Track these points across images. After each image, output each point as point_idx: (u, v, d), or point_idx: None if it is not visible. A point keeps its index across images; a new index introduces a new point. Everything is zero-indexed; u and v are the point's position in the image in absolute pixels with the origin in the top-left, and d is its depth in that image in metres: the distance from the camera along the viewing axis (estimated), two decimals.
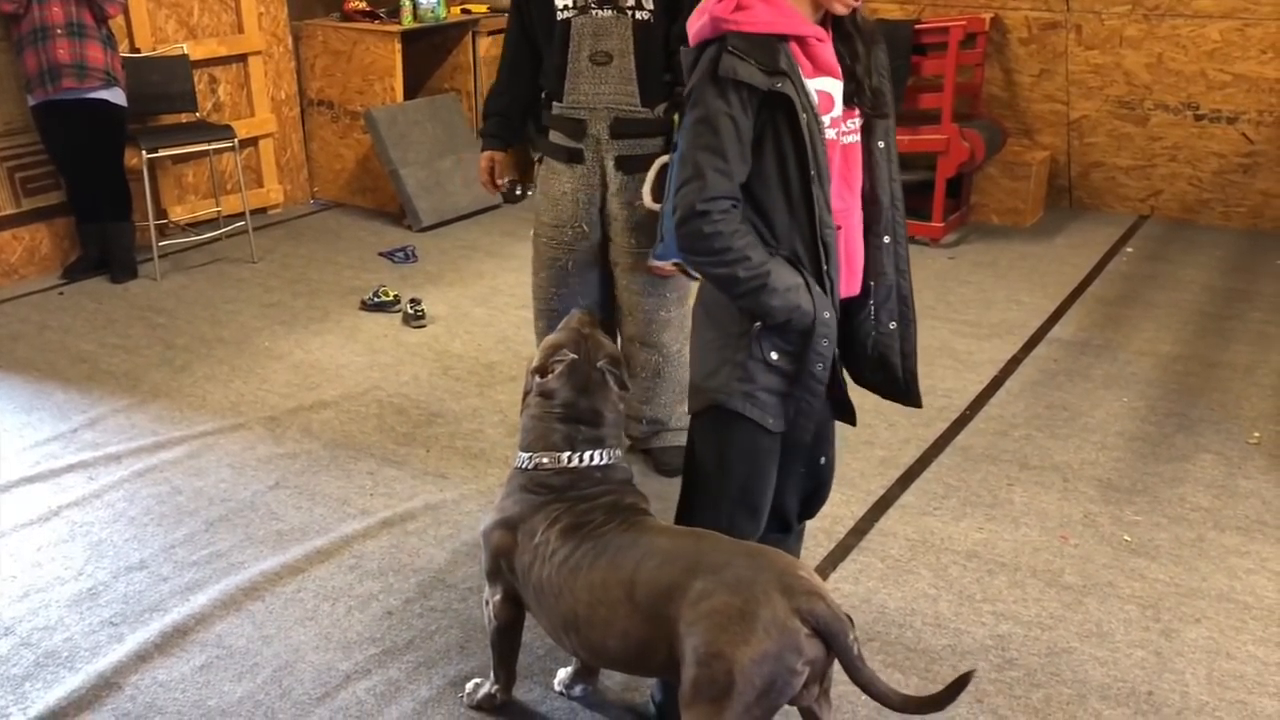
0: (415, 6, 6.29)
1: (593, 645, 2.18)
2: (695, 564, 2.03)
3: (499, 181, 3.51)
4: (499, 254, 5.71)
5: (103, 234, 5.36)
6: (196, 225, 6.03)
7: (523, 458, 2.35)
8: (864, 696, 2.09)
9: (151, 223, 5.43)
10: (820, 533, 3.21)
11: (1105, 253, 5.79)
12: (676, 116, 3.17)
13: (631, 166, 3.21)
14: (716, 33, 2.03)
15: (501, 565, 2.34)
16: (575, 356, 2.35)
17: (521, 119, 3.40)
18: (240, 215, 5.85)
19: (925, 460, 3.68)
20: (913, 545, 3.20)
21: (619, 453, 2.37)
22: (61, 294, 5.25)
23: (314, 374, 4.37)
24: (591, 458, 2.31)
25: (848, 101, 2.15)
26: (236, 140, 5.70)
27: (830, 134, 2.12)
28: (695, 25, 2.10)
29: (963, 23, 5.90)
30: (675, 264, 2.97)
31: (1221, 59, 5.88)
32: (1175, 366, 4.39)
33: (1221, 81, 5.93)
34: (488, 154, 3.48)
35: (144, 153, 5.37)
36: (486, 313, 4.97)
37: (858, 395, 2.39)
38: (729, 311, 2.16)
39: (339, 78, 6.49)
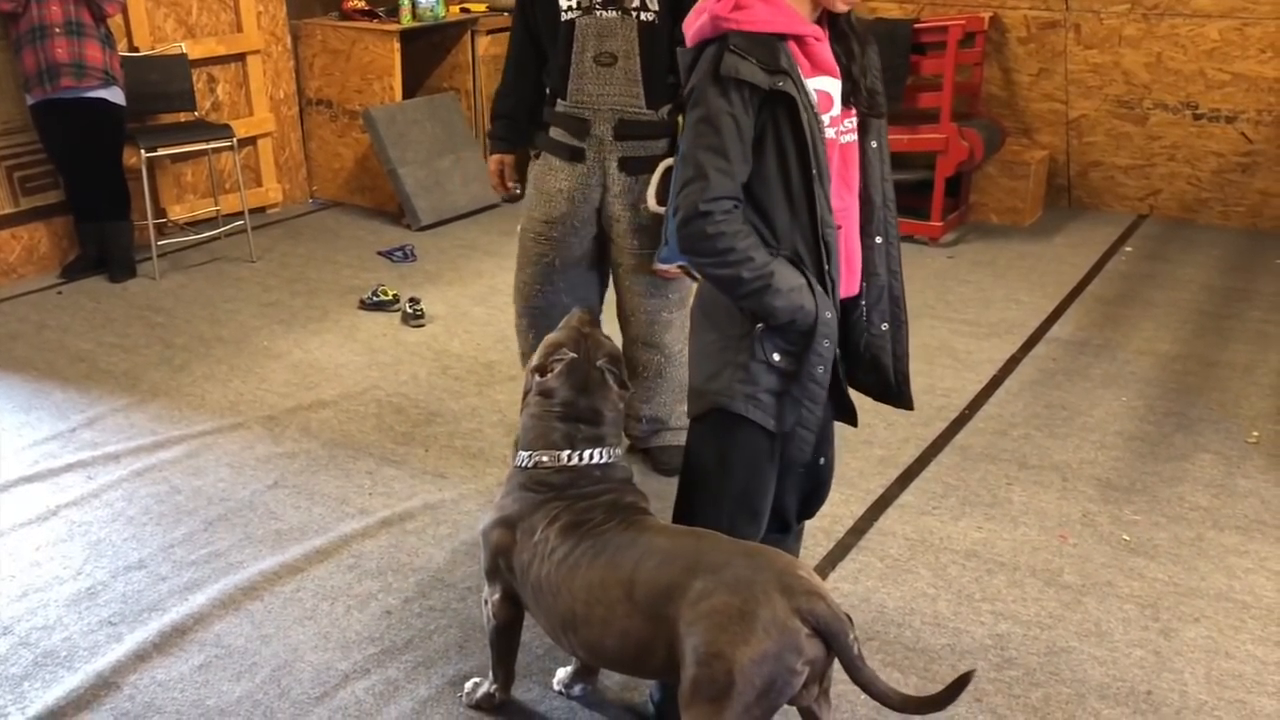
0: (414, 5, 6.29)
1: (591, 644, 2.18)
2: (695, 563, 2.03)
3: (509, 184, 3.50)
4: (498, 253, 5.70)
5: (101, 233, 5.36)
6: (195, 224, 6.02)
7: (522, 456, 2.35)
8: (863, 696, 2.09)
9: (150, 222, 5.43)
10: (819, 532, 3.21)
11: (1104, 252, 5.79)
12: (681, 118, 3.16)
13: (635, 168, 3.20)
14: (716, 32, 2.03)
15: (500, 564, 2.34)
16: (575, 355, 2.35)
17: (528, 120, 3.38)
18: (239, 214, 5.84)
19: (924, 460, 3.68)
20: (912, 545, 3.20)
21: (619, 452, 2.37)
22: (60, 293, 5.25)
23: (313, 373, 4.37)
24: (591, 456, 2.30)
25: (845, 101, 2.15)
26: (235, 139, 5.69)
27: (829, 133, 2.12)
28: (693, 25, 2.09)
29: (961, 22, 5.90)
30: (680, 266, 2.97)
31: (1220, 58, 5.88)
32: (1174, 366, 4.40)
33: (1220, 81, 5.93)
34: (496, 157, 3.48)
35: (142, 152, 5.36)
36: (485, 312, 4.97)
37: (855, 395, 2.39)
38: (729, 313, 2.16)
39: (338, 77, 6.49)
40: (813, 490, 2.46)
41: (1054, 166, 6.52)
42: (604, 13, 3.10)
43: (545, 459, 2.31)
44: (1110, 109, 6.25)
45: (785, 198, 2.08)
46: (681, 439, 3.53)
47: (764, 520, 2.31)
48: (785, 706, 2.01)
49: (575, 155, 3.24)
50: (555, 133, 3.27)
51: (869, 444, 3.73)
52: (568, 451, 2.30)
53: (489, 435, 3.85)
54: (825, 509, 2.63)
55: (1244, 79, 5.87)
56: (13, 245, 5.41)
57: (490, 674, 2.52)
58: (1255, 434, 3.84)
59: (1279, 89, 5.82)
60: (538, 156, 3.35)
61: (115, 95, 5.15)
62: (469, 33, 6.62)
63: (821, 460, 2.41)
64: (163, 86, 5.62)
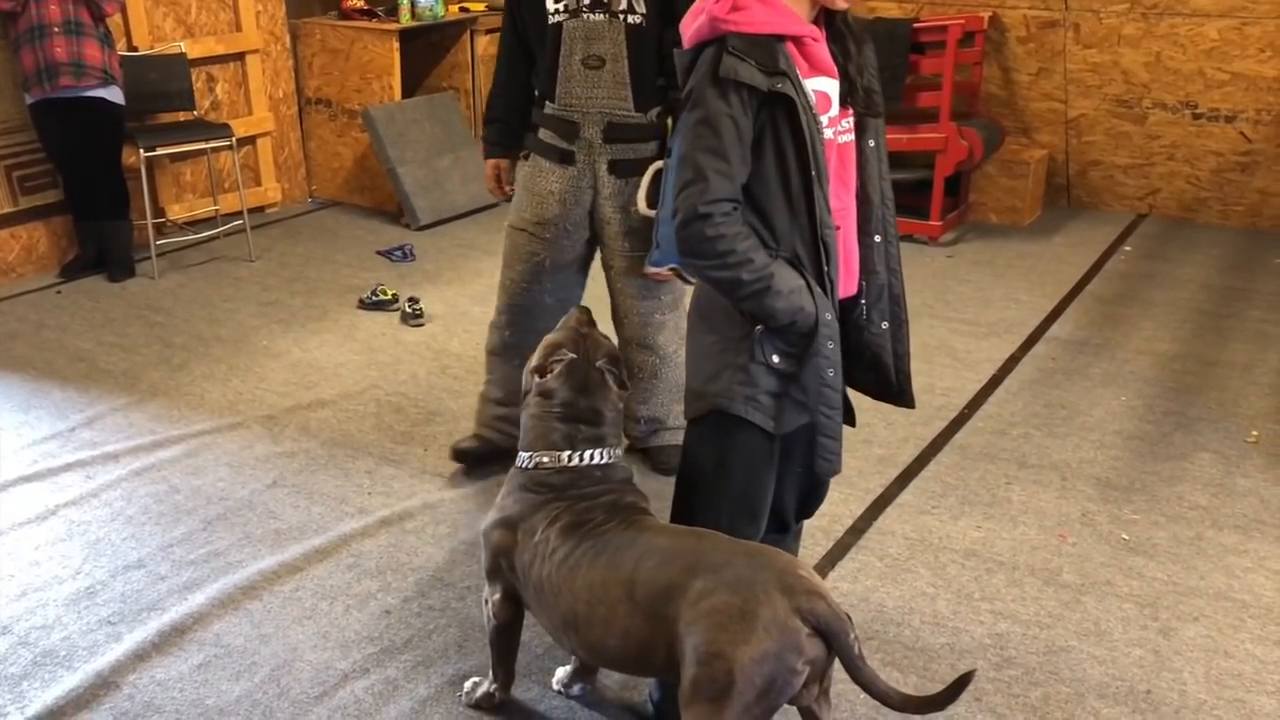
0: (413, 5, 6.29)
1: (592, 644, 2.18)
2: (695, 563, 2.03)
3: (507, 188, 3.50)
4: (497, 252, 5.62)
5: (100, 233, 5.36)
6: (194, 224, 6.02)
7: (522, 457, 2.35)
8: (862, 695, 2.10)
9: (149, 221, 5.43)
10: (819, 531, 3.21)
11: (1103, 251, 5.79)
12: (670, 120, 3.15)
13: (625, 171, 3.20)
14: (714, 33, 2.02)
15: (501, 564, 2.34)
16: (574, 356, 2.35)
17: (521, 123, 3.38)
18: (238, 214, 5.84)
19: (923, 459, 3.68)
20: (911, 544, 3.20)
21: (619, 452, 2.37)
22: (59, 293, 5.25)
23: (312, 373, 4.37)
24: (591, 457, 2.30)
25: (842, 101, 2.15)
26: (234, 139, 5.69)
27: (827, 134, 2.12)
28: (691, 26, 2.09)
29: (961, 21, 5.90)
30: (672, 269, 2.96)
31: (1220, 58, 5.88)
32: (1173, 365, 4.40)
33: (1220, 80, 5.93)
34: (492, 162, 3.47)
35: (141, 151, 5.36)
36: (484, 311, 4.95)
37: (855, 394, 2.39)
38: (728, 315, 2.15)
39: (337, 76, 6.48)
40: (811, 490, 2.45)
41: (1053, 166, 6.52)
42: (591, 15, 3.09)
43: (546, 460, 2.31)
44: (1109, 108, 6.25)
45: (784, 199, 2.07)
46: (680, 438, 3.54)
47: (763, 521, 2.30)
48: (785, 706, 2.01)
49: (565, 158, 3.23)
50: (544, 135, 3.26)
51: (868, 443, 3.73)
52: (568, 452, 2.30)
53: None
54: (824, 508, 2.63)
55: (1243, 78, 5.88)
56: (12, 245, 5.41)
57: (490, 673, 2.52)
58: (1254, 433, 3.84)
59: (1278, 88, 5.82)
60: (526, 158, 3.34)
61: (114, 94, 5.14)
62: (468, 32, 6.62)
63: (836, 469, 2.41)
64: (162, 86, 5.61)
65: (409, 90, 6.59)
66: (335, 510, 3.39)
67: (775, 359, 2.12)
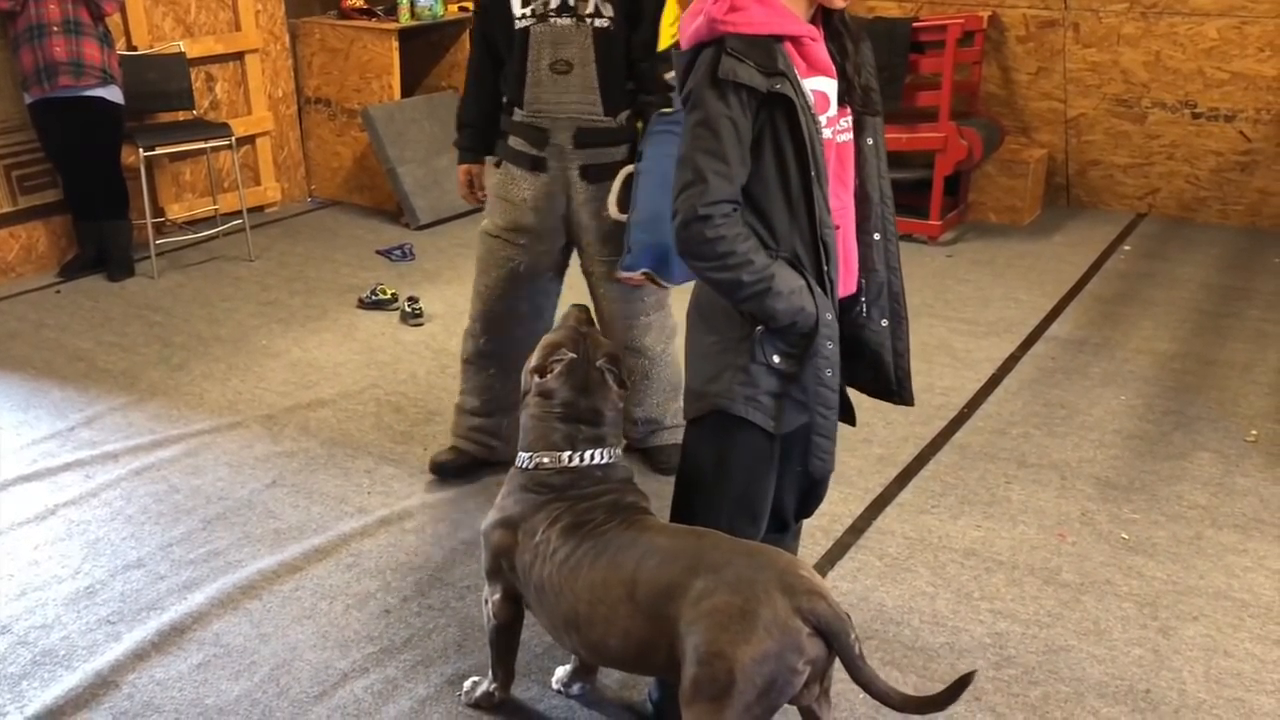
0: (413, 4, 6.29)
1: (593, 644, 2.18)
2: (696, 563, 2.03)
3: (479, 194, 3.49)
4: None
5: (100, 232, 5.36)
6: (194, 223, 6.02)
7: (523, 457, 2.34)
8: (862, 695, 2.09)
9: (149, 221, 5.43)
10: (818, 531, 3.21)
11: (1103, 251, 5.79)
12: (640, 124, 3.13)
13: (597, 176, 3.16)
14: (712, 34, 2.02)
15: (502, 564, 2.34)
16: (574, 355, 2.34)
17: (493, 128, 3.35)
18: (237, 213, 5.84)
19: (923, 458, 3.68)
20: (910, 543, 3.20)
21: (619, 451, 2.37)
22: (58, 292, 5.24)
23: (311, 372, 4.37)
24: (592, 457, 2.30)
25: (840, 100, 2.15)
26: (234, 138, 5.69)
27: (826, 133, 2.12)
28: (689, 27, 2.08)
29: (960, 20, 5.90)
30: (644, 273, 2.95)
31: (1219, 57, 5.88)
32: (1173, 364, 4.40)
33: (1219, 79, 5.93)
34: (464, 168, 3.44)
35: (141, 151, 5.36)
36: None
37: (854, 393, 2.38)
38: (727, 315, 2.15)
39: (336, 75, 6.48)
40: (811, 489, 2.45)
41: (1053, 165, 6.52)
42: (558, 20, 3.05)
43: (546, 460, 2.30)
44: (1109, 108, 6.25)
45: (784, 199, 2.07)
46: (678, 436, 3.53)
47: (763, 521, 2.30)
48: (785, 706, 2.01)
49: (537, 165, 3.20)
50: (515, 142, 3.22)
51: (868, 443, 3.73)
52: (569, 452, 2.30)
53: None
54: (824, 507, 2.63)
55: (1242, 78, 5.88)
56: (11, 244, 5.41)
57: (489, 673, 2.52)
58: (1254, 432, 3.84)
59: (1277, 88, 5.82)
60: (498, 165, 3.30)
61: (113, 94, 5.14)
62: (468, 31, 6.61)
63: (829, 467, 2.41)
64: (161, 85, 5.61)
65: (408, 90, 6.58)
66: (335, 510, 3.39)
67: (776, 359, 2.12)
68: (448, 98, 6.56)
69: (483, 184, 3.46)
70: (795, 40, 2.06)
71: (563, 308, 3.43)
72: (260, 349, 4.59)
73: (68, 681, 2.65)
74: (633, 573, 2.09)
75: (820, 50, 2.11)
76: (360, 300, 5.05)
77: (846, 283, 2.23)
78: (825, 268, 2.11)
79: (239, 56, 6.18)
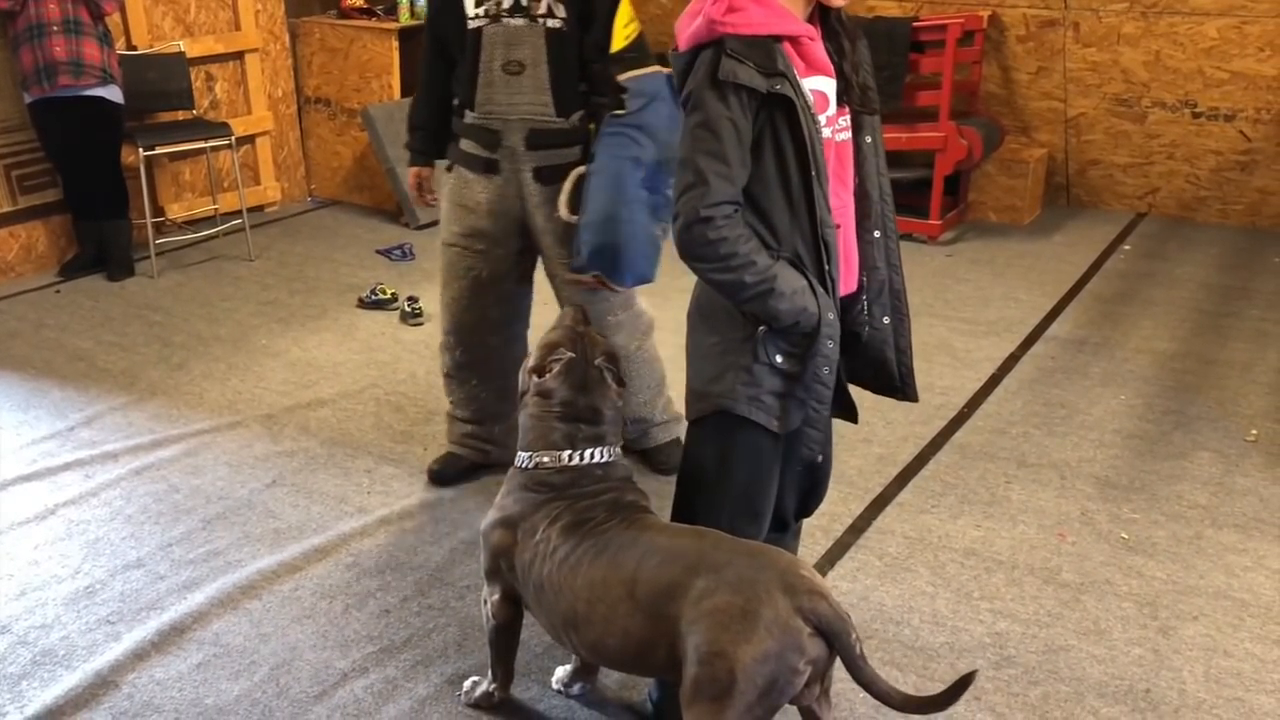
0: (412, 3, 6.29)
1: (593, 643, 2.18)
2: (697, 562, 2.03)
3: (429, 197, 3.47)
4: None
5: (100, 232, 5.36)
6: (193, 223, 6.02)
7: (522, 457, 2.34)
8: (862, 695, 2.09)
9: (148, 220, 5.43)
10: (818, 530, 3.21)
11: (1103, 250, 5.79)
12: (593, 125, 3.08)
13: (550, 178, 3.11)
14: (711, 36, 2.02)
15: (501, 564, 2.34)
16: (573, 355, 2.34)
17: (447, 131, 3.32)
18: (237, 213, 5.84)
19: (923, 458, 3.68)
20: (910, 543, 3.20)
21: (619, 450, 2.37)
22: (58, 292, 5.24)
23: (311, 372, 4.36)
24: (592, 455, 2.30)
25: (838, 99, 2.15)
26: (233, 138, 5.69)
27: (826, 132, 2.12)
28: (687, 29, 2.08)
29: (960, 20, 5.90)
30: (595, 276, 2.94)
31: (1219, 56, 5.88)
32: (1173, 364, 4.40)
33: (1219, 79, 5.93)
34: (414, 170, 3.41)
35: (141, 150, 5.36)
36: None
37: (855, 392, 2.38)
38: (729, 316, 2.15)
39: (336, 75, 6.48)
40: (811, 488, 2.45)
41: (1053, 165, 6.52)
42: (511, 20, 3.02)
43: (546, 459, 2.30)
44: (1109, 107, 6.25)
45: (785, 199, 2.07)
46: (671, 432, 3.52)
47: (766, 521, 2.30)
48: (786, 705, 2.01)
49: (490, 167, 3.16)
50: (466, 145, 3.19)
51: (868, 442, 3.73)
52: (569, 451, 2.30)
53: None
54: (824, 507, 2.63)
55: (1243, 77, 5.87)
56: (11, 244, 5.41)
57: (489, 672, 2.52)
58: (1254, 432, 3.84)
59: (1277, 87, 5.82)
60: (450, 169, 3.27)
61: (113, 94, 5.14)
62: None
63: (820, 458, 2.41)
64: (161, 85, 5.61)
65: (408, 89, 6.57)
66: (334, 509, 3.39)
67: (778, 359, 2.12)
68: None
69: (432, 187, 3.44)
70: (794, 40, 2.06)
71: (536, 310, 3.45)
72: (260, 348, 4.59)
73: (67, 681, 2.65)
74: (633, 572, 2.09)
75: (818, 49, 2.11)
76: (360, 300, 5.05)
77: (847, 281, 2.24)
78: (827, 267, 2.11)
79: (239, 56, 6.18)
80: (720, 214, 1.99)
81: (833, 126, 2.15)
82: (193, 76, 5.79)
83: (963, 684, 1.98)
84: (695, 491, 2.30)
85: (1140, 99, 6.15)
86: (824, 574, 3.04)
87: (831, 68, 2.13)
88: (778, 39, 2.03)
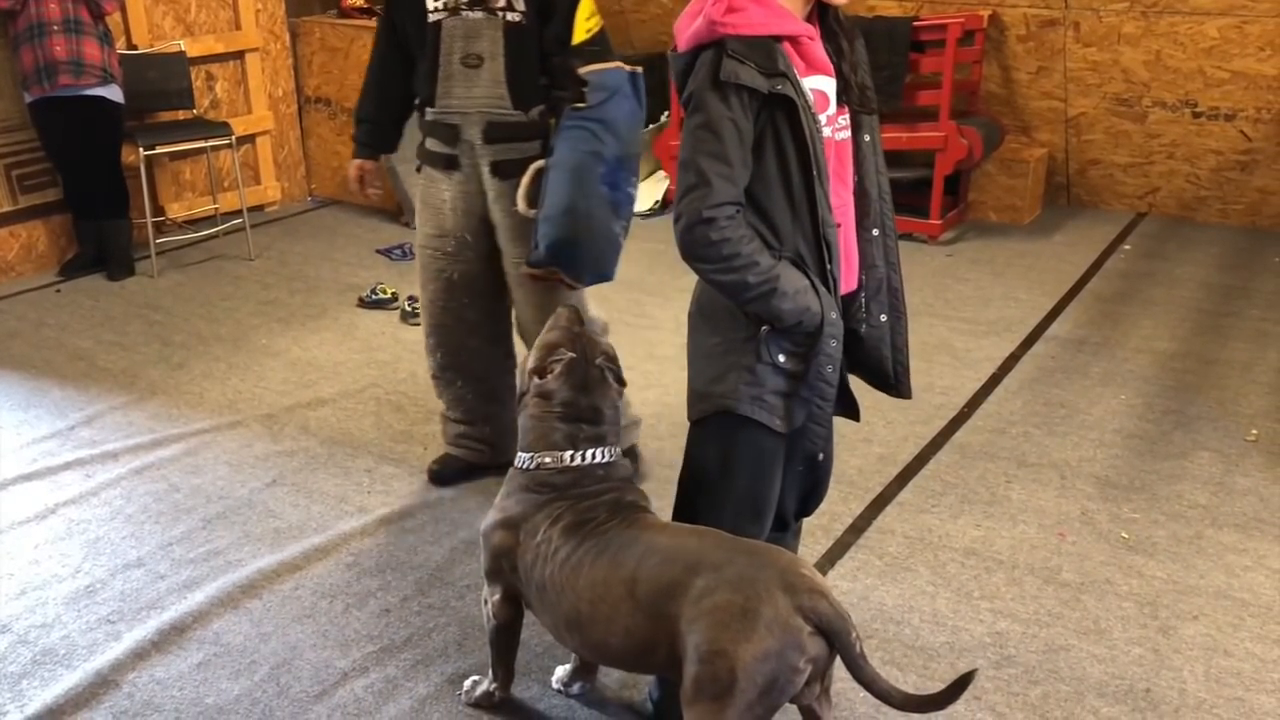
0: None
1: (594, 643, 2.18)
2: (697, 561, 2.03)
3: (369, 191, 3.46)
4: None
5: (100, 231, 5.36)
6: (194, 223, 6.02)
7: (523, 458, 2.34)
8: (862, 694, 2.09)
9: (149, 220, 5.43)
10: (818, 530, 3.21)
11: (1103, 250, 5.79)
12: (554, 119, 3.06)
13: (508, 172, 3.10)
14: (712, 36, 2.02)
15: (502, 565, 2.34)
16: (574, 355, 2.34)
17: (394, 126, 3.30)
18: (237, 212, 5.84)
19: (923, 458, 3.68)
20: (910, 542, 3.20)
21: (619, 450, 2.37)
22: (59, 291, 5.25)
23: (311, 371, 4.37)
24: (594, 456, 2.30)
25: (838, 98, 2.16)
26: (234, 137, 5.69)
27: (826, 131, 2.12)
28: (687, 29, 2.08)
29: (961, 20, 5.90)
30: (550, 270, 2.92)
31: (1219, 56, 5.88)
32: (1173, 364, 4.40)
33: (1219, 79, 5.93)
34: (357, 163, 3.42)
35: (141, 150, 5.36)
36: None
37: (856, 391, 2.39)
38: (731, 316, 2.15)
39: (336, 75, 6.48)
40: (811, 488, 2.45)
41: (1053, 165, 6.52)
42: (470, 13, 3.01)
43: (548, 460, 2.30)
44: (1109, 107, 6.25)
45: (786, 199, 2.07)
46: (634, 436, 3.49)
47: (768, 521, 2.30)
48: (786, 705, 2.01)
49: (450, 163, 3.16)
50: (430, 143, 3.19)
51: (868, 442, 3.73)
52: (570, 452, 2.30)
53: None
54: (824, 507, 2.63)
55: (1243, 77, 5.87)
56: (11, 243, 5.41)
57: (489, 672, 2.52)
58: (1254, 432, 3.84)
59: (1278, 87, 5.82)
60: (419, 170, 3.27)
61: (113, 93, 5.14)
62: None
63: (820, 457, 2.42)
64: (161, 84, 5.61)
65: None
66: (335, 509, 3.39)
67: (782, 359, 2.12)
68: None
69: (374, 182, 3.43)
70: (793, 40, 2.06)
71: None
72: (260, 348, 4.59)
73: (68, 680, 2.65)
74: (634, 571, 2.09)
75: (818, 49, 2.11)
76: (360, 299, 5.05)
77: (847, 279, 2.24)
78: (828, 266, 2.11)
79: (239, 55, 6.19)
80: (723, 215, 1.99)
81: (833, 126, 2.15)
82: (193, 76, 5.79)
83: (963, 683, 1.98)
84: (697, 492, 2.30)
85: (1140, 99, 6.15)
86: (824, 573, 3.04)
87: (831, 67, 2.13)
88: (778, 39, 2.03)
